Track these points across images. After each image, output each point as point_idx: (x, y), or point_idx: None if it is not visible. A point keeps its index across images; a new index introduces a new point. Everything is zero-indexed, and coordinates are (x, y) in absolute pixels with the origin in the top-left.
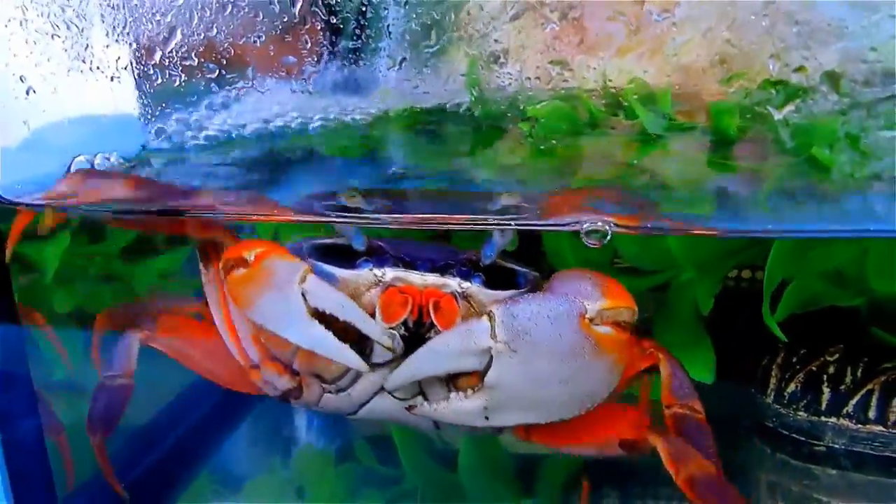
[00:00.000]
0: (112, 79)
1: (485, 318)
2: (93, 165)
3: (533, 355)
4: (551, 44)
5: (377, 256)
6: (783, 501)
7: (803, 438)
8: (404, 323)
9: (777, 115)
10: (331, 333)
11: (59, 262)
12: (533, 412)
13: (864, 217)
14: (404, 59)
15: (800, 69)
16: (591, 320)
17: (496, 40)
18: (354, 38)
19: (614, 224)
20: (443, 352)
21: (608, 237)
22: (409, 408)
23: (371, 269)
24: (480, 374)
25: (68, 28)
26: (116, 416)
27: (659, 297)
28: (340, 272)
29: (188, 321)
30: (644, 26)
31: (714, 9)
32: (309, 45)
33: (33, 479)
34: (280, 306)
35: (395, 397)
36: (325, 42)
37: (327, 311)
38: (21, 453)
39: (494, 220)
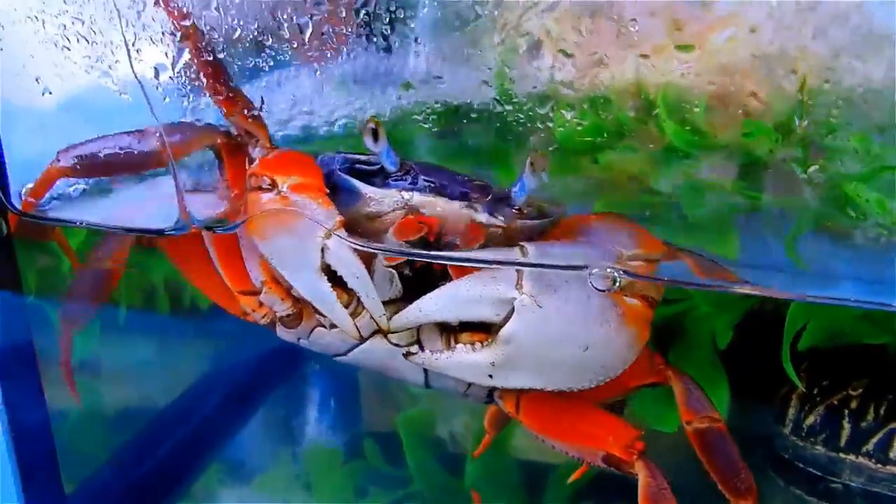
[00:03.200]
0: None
1: (514, 254)
2: None
3: (558, 314)
4: (587, 39)
5: (407, 178)
6: None
7: (820, 473)
8: (409, 263)
9: (801, 175)
10: (335, 294)
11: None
12: (541, 376)
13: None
14: (431, 50)
15: (831, 131)
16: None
17: (528, 33)
18: (384, 26)
19: (623, 272)
20: (461, 296)
21: (618, 283)
22: (407, 354)
23: (399, 191)
24: (496, 327)
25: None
26: (96, 299)
27: (675, 327)
28: (367, 189)
29: None
30: (686, 22)
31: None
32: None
33: (42, 473)
34: (294, 252)
35: (390, 342)
36: (352, 30)
37: (338, 273)
38: (30, 447)
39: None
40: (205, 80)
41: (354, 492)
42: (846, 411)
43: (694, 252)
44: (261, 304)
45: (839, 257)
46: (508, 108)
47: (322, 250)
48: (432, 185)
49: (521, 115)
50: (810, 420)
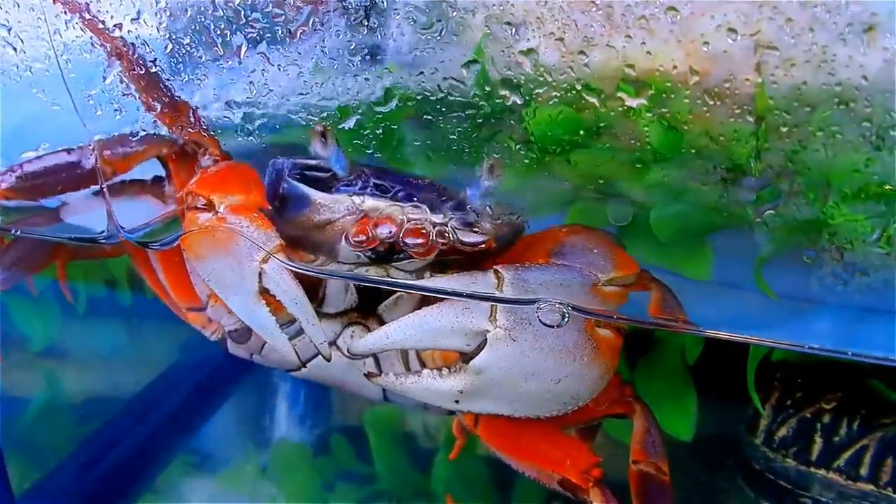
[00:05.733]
0: None
1: (489, 279)
2: None
3: (532, 348)
4: (572, 23)
5: (358, 183)
6: None
7: (790, 487)
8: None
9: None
10: (273, 319)
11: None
12: (509, 405)
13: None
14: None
15: (780, 179)
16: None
17: (512, 15)
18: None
19: (572, 309)
20: (432, 326)
21: (566, 318)
22: (370, 375)
23: (350, 196)
24: (466, 357)
25: None
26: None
27: (645, 340)
28: (317, 195)
29: None
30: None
31: None
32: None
33: None
34: (232, 276)
35: (344, 355)
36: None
37: (277, 297)
38: None
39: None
40: (139, 94)
41: (321, 487)
42: (818, 425)
43: (663, 285)
44: (210, 321)
45: (812, 282)
46: (483, 98)
47: (259, 275)
48: (384, 189)
49: (495, 106)
50: (782, 432)
